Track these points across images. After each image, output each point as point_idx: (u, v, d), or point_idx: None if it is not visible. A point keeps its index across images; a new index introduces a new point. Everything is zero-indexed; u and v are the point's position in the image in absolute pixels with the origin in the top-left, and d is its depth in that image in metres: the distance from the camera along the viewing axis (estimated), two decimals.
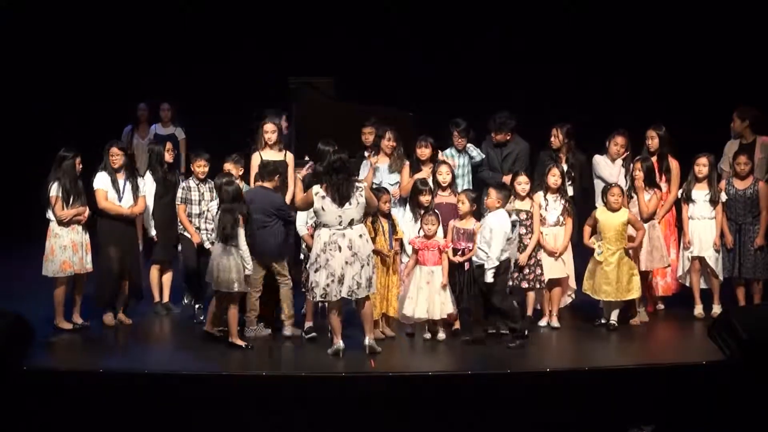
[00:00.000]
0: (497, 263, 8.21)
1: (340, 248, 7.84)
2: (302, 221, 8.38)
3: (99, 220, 8.80)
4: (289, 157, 9.24)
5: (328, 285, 7.84)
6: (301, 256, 8.64)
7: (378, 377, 7.64)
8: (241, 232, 8.13)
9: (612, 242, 8.67)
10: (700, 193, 9.06)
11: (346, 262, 7.83)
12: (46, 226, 8.67)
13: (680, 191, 9.15)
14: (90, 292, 8.91)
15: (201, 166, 8.88)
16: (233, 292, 8.15)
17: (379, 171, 9.32)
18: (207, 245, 8.68)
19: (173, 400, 7.38)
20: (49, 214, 8.61)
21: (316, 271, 7.89)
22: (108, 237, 8.79)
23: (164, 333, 9.06)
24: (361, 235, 7.89)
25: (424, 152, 9.18)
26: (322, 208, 7.87)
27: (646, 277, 8.95)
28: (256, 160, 9.13)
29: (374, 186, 8.84)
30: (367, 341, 7.97)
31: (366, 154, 9.48)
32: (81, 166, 8.70)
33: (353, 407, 7.36)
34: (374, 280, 8.01)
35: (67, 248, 8.58)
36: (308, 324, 8.54)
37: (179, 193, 8.94)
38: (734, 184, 9.05)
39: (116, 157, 8.79)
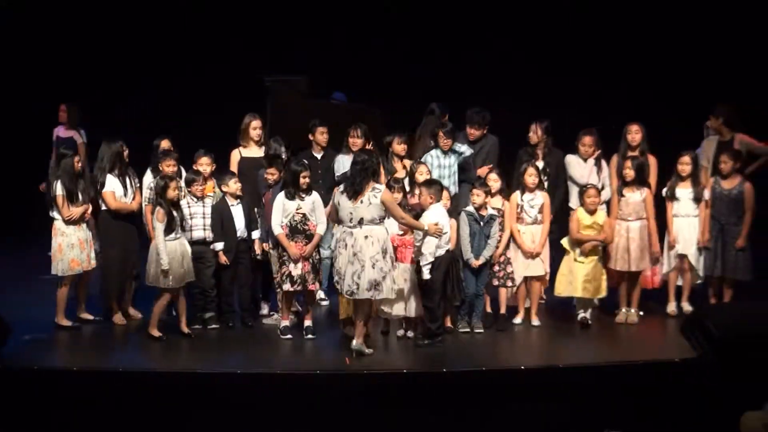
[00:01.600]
0: (432, 259, 8.20)
1: (346, 246, 7.93)
2: (277, 221, 8.39)
3: (101, 220, 8.83)
4: None
5: (337, 281, 8.02)
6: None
7: (354, 375, 7.66)
8: (159, 225, 8.27)
9: (592, 243, 8.80)
10: (684, 191, 9.10)
11: (348, 261, 7.90)
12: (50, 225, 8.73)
13: (664, 190, 9.20)
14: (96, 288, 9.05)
15: (170, 166, 8.85)
16: (161, 287, 8.38)
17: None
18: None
19: (153, 399, 7.44)
20: (54, 213, 8.64)
21: (332, 266, 8.11)
22: (111, 236, 8.82)
23: (133, 333, 8.93)
24: (366, 237, 7.90)
25: (404, 148, 9.31)
26: (339, 203, 8.01)
27: (637, 276, 8.97)
28: (235, 157, 9.35)
29: None
30: (353, 344, 7.98)
31: (318, 155, 9.52)
32: (80, 165, 8.72)
33: (329, 404, 7.39)
34: (385, 286, 7.92)
35: (74, 246, 8.62)
36: (307, 323, 8.56)
37: (145, 194, 8.93)
38: (720, 183, 9.08)
39: (126, 152, 8.85)
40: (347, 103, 10.83)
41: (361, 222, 7.92)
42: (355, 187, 7.93)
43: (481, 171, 9.26)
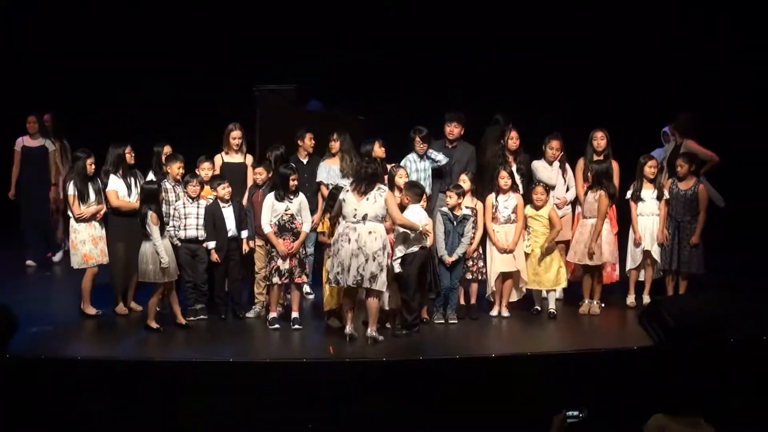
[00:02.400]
0: (401, 255, 8.69)
1: (349, 240, 8.37)
2: (266, 220, 8.87)
3: (108, 218, 9.27)
4: (248, 159, 9.85)
5: (338, 273, 8.41)
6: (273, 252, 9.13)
7: (337, 363, 8.08)
8: (155, 228, 8.72)
9: (539, 236, 9.34)
10: (649, 192, 9.63)
11: (353, 254, 8.34)
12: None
13: (629, 192, 9.69)
14: (104, 282, 9.44)
15: (180, 168, 9.29)
16: (155, 282, 8.80)
17: (331, 173, 9.83)
18: (175, 241, 9.15)
19: (151, 386, 7.82)
20: (69, 212, 9.14)
21: (330, 258, 8.52)
22: (116, 233, 9.27)
23: (134, 325, 9.26)
24: (370, 232, 8.36)
25: (384, 151, 9.68)
26: (344, 200, 8.46)
27: (597, 270, 9.42)
28: (218, 161, 9.75)
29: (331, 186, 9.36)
30: (368, 332, 8.43)
31: (304, 161, 9.93)
32: (93, 167, 9.14)
33: (314, 390, 7.79)
34: (382, 278, 8.39)
35: (86, 242, 9.09)
36: (294, 314, 8.96)
37: None
38: (678, 184, 9.63)
39: (131, 155, 9.31)
40: (333, 111, 11.10)
41: (365, 218, 8.39)
42: (363, 188, 8.42)
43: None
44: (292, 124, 10.28)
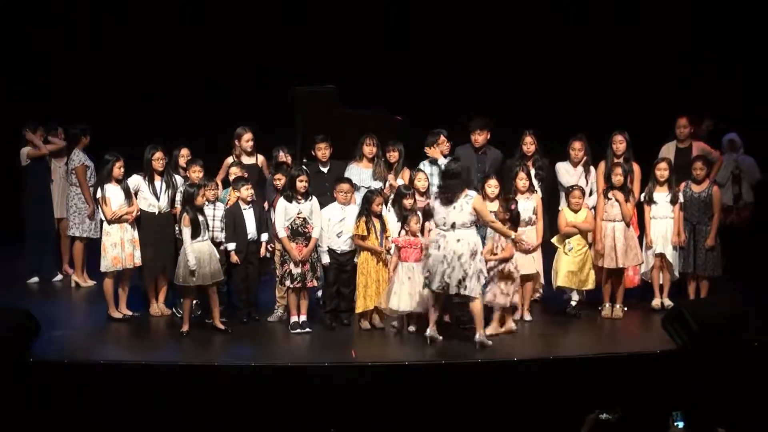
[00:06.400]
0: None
1: (439, 247, 8.44)
2: (280, 224, 8.91)
3: (140, 220, 9.32)
4: (260, 160, 9.93)
5: (426, 276, 8.54)
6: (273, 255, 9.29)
7: (360, 366, 8.10)
8: (186, 230, 8.77)
9: (578, 238, 9.35)
10: (661, 195, 9.63)
11: (440, 261, 8.40)
12: None
13: (643, 194, 9.69)
14: (137, 284, 9.55)
15: (196, 171, 9.31)
16: (186, 285, 8.87)
17: (362, 176, 9.68)
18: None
19: (173, 389, 7.88)
20: (102, 214, 9.21)
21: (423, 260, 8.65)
22: (146, 235, 9.33)
23: (157, 328, 9.34)
24: (458, 240, 8.39)
25: (392, 155, 9.72)
26: (434, 208, 8.55)
27: (622, 273, 9.42)
28: (227, 163, 9.86)
29: (366, 188, 9.32)
30: (477, 337, 8.47)
31: (324, 169, 9.75)
32: (123, 170, 9.20)
33: (335, 395, 7.83)
34: (470, 284, 8.38)
35: (116, 245, 9.13)
36: (302, 317, 8.98)
37: (177, 197, 9.40)
38: (691, 187, 9.62)
39: (160, 161, 9.33)
40: (374, 111, 10.96)
41: (453, 226, 8.43)
42: (448, 195, 8.45)
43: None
44: (332, 125, 10.22)
